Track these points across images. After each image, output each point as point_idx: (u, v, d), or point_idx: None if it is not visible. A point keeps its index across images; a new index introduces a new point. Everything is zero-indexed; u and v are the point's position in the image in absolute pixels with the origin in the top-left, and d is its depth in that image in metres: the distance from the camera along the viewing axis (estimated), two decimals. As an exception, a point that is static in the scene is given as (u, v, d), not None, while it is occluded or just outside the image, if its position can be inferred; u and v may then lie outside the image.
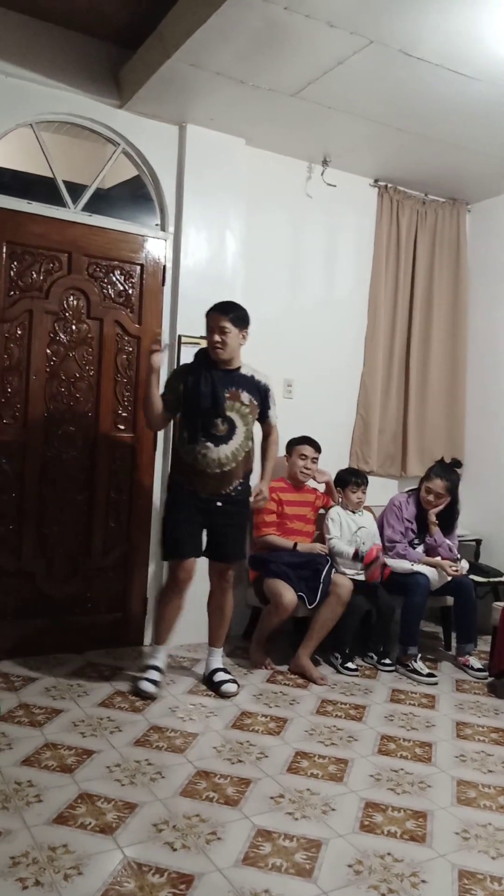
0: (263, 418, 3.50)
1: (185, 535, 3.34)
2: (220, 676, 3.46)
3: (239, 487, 3.38)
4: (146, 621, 4.00)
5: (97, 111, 3.74)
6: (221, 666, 3.53)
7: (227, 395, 3.30)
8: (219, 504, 3.33)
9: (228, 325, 3.27)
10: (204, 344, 3.41)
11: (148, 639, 4.00)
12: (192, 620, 3.68)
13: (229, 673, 3.52)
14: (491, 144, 4.01)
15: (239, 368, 3.39)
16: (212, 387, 3.26)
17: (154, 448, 3.98)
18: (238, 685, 3.45)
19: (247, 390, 3.36)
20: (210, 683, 3.47)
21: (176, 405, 3.36)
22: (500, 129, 3.81)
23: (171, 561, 3.40)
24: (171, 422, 3.63)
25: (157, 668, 3.43)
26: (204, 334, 3.43)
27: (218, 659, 3.55)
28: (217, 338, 3.28)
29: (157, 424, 3.50)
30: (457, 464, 4.21)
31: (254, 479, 3.53)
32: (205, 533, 3.42)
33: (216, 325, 3.29)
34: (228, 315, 3.28)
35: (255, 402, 3.39)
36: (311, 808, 2.45)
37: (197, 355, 3.45)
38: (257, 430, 3.51)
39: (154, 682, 3.36)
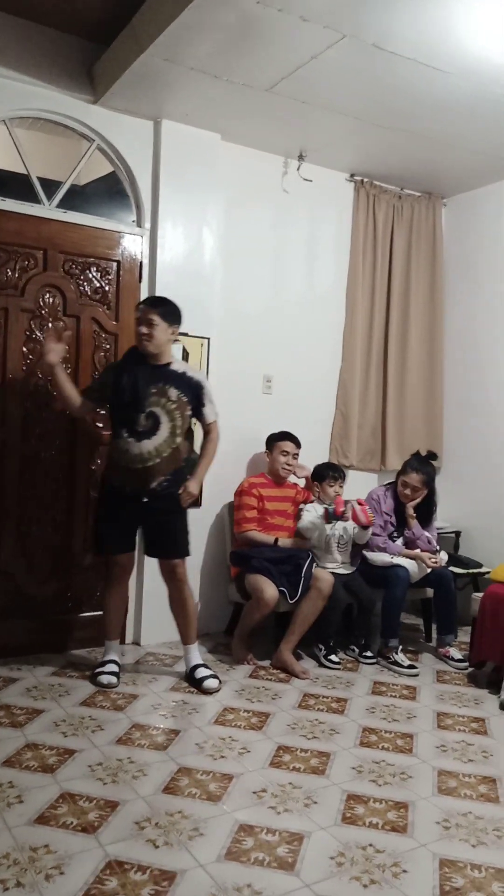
0: (199, 415, 3.46)
1: (113, 530, 3.42)
2: (201, 673, 3.47)
3: (165, 483, 3.33)
4: (127, 619, 3.99)
5: (71, 107, 3.71)
6: (201, 662, 3.54)
7: (154, 390, 3.30)
8: (145, 500, 3.34)
9: (157, 319, 3.29)
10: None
11: (129, 637, 4.00)
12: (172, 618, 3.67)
13: (210, 668, 3.52)
14: (466, 138, 4.03)
15: (169, 364, 3.40)
16: (133, 382, 3.28)
17: (133, 445, 3.97)
18: (220, 681, 3.46)
19: (175, 386, 3.34)
20: (192, 680, 3.47)
21: (99, 397, 3.40)
22: (474, 123, 3.82)
23: (108, 556, 3.51)
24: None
25: (114, 662, 3.50)
26: (183, 331, 3.45)
27: (196, 655, 3.56)
28: (144, 330, 3.30)
29: (77, 413, 3.50)
30: (432, 456, 4.23)
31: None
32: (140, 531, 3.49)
33: (144, 318, 3.31)
34: (157, 309, 3.31)
35: (185, 399, 3.36)
36: (293, 802, 2.46)
37: (128, 352, 3.49)
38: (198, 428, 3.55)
39: (114, 673, 3.44)
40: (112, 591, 3.55)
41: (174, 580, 3.47)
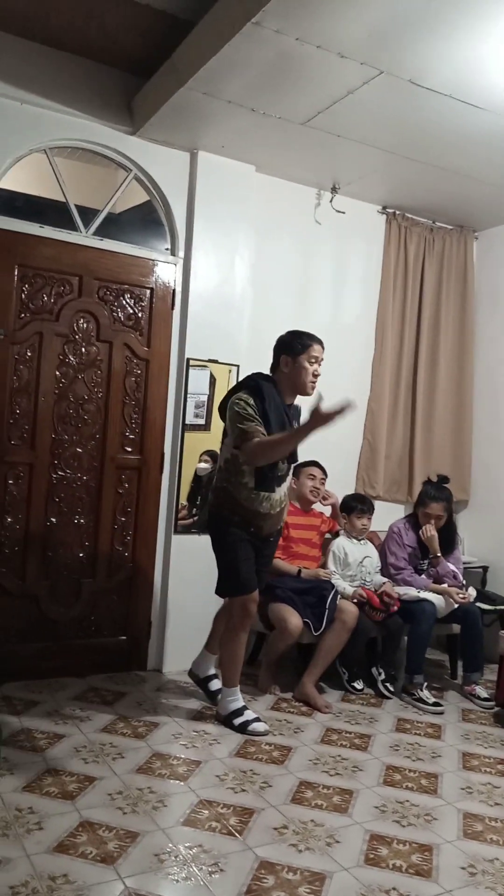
0: None
1: (252, 570, 3.26)
2: (216, 685, 3.51)
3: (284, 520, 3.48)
4: (150, 645, 3.97)
5: (110, 137, 3.79)
6: (217, 672, 3.56)
7: None
8: (271, 539, 3.38)
9: None
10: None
11: (151, 663, 3.98)
12: (197, 647, 3.64)
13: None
14: (498, 173, 4.04)
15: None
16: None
17: (161, 471, 3.98)
18: None
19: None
20: (206, 690, 3.53)
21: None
22: (508, 159, 3.85)
23: (243, 596, 3.24)
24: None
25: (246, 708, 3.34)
26: (213, 358, 3.43)
27: (213, 666, 3.58)
28: (319, 371, 3.22)
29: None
30: (444, 479, 4.17)
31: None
32: None
33: (320, 358, 3.22)
34: None
35: None
36: (315, 840, 2.41)
37: (266, 390, 3.17)
38: None
39: (259, 719, 3.29)
40: (243, 635, 3.31)
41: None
